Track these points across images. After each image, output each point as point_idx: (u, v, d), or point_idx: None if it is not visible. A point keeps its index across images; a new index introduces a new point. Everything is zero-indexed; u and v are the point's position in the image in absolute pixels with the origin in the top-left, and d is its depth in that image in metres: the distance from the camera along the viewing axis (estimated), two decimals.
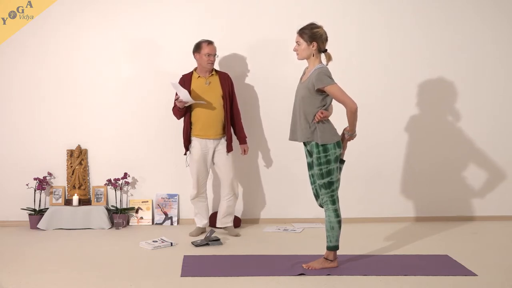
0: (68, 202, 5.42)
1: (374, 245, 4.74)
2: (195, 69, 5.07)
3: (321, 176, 3.95)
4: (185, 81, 5.01)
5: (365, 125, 5.41)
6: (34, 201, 5.37)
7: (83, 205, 5.39)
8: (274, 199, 5.65)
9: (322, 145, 3.91)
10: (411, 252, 4.54)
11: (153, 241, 4.76)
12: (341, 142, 4.00)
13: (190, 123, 5.01)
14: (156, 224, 5.52)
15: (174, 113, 5.04)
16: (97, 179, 5.52)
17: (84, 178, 5.48)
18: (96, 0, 5.44)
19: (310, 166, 4.12)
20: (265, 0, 5.52)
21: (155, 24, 5.49)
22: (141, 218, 5.51)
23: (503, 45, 5.74)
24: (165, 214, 5.53)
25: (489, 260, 4.32)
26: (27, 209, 5.37)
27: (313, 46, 3.94)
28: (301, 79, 4.10)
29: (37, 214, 5.32)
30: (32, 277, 3.86)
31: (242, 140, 5.19)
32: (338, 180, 4.03)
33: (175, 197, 5.56)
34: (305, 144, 4.07)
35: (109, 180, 5.39)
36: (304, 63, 4.11)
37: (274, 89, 5.52)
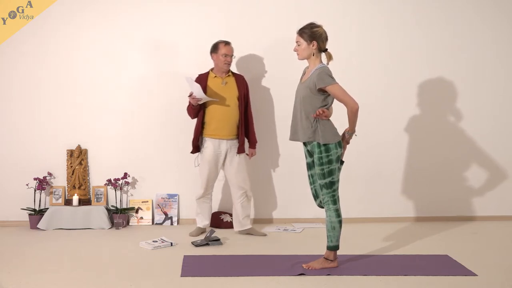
0: (68, 202, 5.42)
1: (374, 245, 4.74)
2: (212, 69, 5.06)
3: (322, 176, 3.95)
4: (201, 80, 4.97)
5: (365, 125, 5.41)
6: (34, 201, 5.37)
7: (83, 205, 5.39)
8: (274, 199, 5.65)
9: (324, 145, 3.91)
10: (411, 252, 4.54)
11: (153, 241, 4.76)
12: (341, 142, 4.00)
13: (203, 123, 4.98)
14: (156, 224, 5.52)
15: (188, 112, 5.01)
16: (97, 179, 5.52)
17: (84, 178, 5.48)
18: (96, 0, 5.44)
19: (309, 166, 4.12)
20: (268, 1, 5.53)
21: (155, 24, 5.49)
22: (141, 218, 5.51)
23: (503, 45, 5.74)
24: (165, 214, 5.53)
25: (489, 260, 4.32)
26: (27, 209, 5.37)
27: (313, 46, 3.94)
28: (301, 79, 4.10)
29: (37, 214, 5.32)
30: (32, 277, 3.86)
31: (253, 144, 5.17)
32: (338, 180, 4.03)
33: (175, 197, 5.56)
34: (305, 144, 4.07)
35: (109, 180, 5.39)
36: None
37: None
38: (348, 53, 5.56)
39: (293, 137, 4.11)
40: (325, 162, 3.92)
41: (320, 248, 4.43)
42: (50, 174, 5.45)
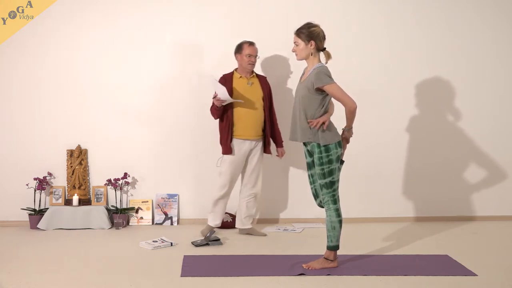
0: (68, 202, 5.42)
1: (374, 245, 4.74)
2: (236, 70, 5.04)
3: (322, 176, 3.95)
4: (226, 80, 4.96)
5: (365, 125, 5.42)
6: (34, 201, 5.37)
7: (83, 205, 5.38)
8: (274, 199, 5.65)
9: (324, 145, 3.91)
10: (411, 252, 4.54)
11: (153, 241, 4.75)
12: (341, 142, 4.00)
13: (230, 124, 4.93)
14: (156, 224, 5.52)
15: (211, 113, 4.97)
16: (97, 179, 5.52)
17: (84, 178, 5.48)
18: (96, 0, 5.44)
19: (309, 166, 4.12)
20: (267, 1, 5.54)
21: (155, 24, 5.49)
22: (141, 218, 5.51)
23: (503, 45, 5.74)
24: (165, 214, 5.53)
25: (489, 260, 4.32)
26: (27, 209, 5.37)
27: (311, 45, 3.94)
28: (300, 79, 4.10)
29: (37, 214, 5.32)
30: (32, 277, 3.86)
31: (280, 143, 5.16)
32: (338, 180, 4.03)
33: (175, 197, 5.56)
34: (305, 144, 4.07)
35: (109, 180, 5.39)
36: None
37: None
38: (348, 53, 5.56)
39: (292, 137, 4.11)
40: (325, 162, 3.92)
41: (320, 248, 4.43)
42: (50, 174, 5.45)
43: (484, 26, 5.70)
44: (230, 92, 4.86)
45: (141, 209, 5.52)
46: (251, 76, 5.02)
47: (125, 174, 5.43)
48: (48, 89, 5.45)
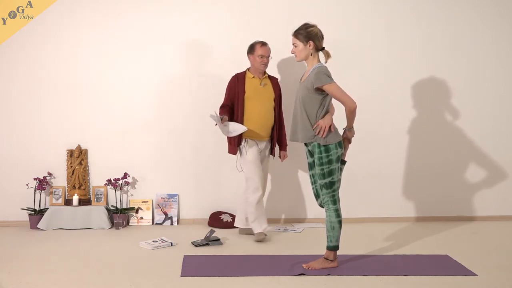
0: (68, 202, 5.42)
1: (374, 245, 4.74)
2: (248, 69, 4.98)
3: (322, 176, 3.95)
4: (239, 79, 4.90)
5: (365, 125, 5.42)
6: (34, 201, 5.37)
7: (83, 205, 5.39)
8: (274, 199, 5.65)
9: (324, 145, 3.91)
10: (411, 252, 4.54)
11: (153, 241, 4.76)
12: (342, 142, 4.00)
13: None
14: (156, 224, 5.52)
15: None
16: (97, 179, 5.52)
17: (84, 178, 5.48)
18: (96, 0, 5.44)
19: (310, 166, 4.12)
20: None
21: (156, 24, 5.49)
22: (141, 218, 5.51)
23: (503, 45, 5.74)
24: (165, 214, 5.53)
25: (489, 260, 4.32)
26: (27, 209, 5.37)
27: (309, 46, 3.94)
28: (300, 79, 4.10)
29: (37, 214, 5.32)
30: (32, 277, 3.86)
31: (284, 147, 5.10)
32: (339, 180, 4.03)
33: (175, 197, 5.56)
34: (306, 144, 4.07)
35: (109, 180, 5.39)
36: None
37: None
38: (348, 53, 5.56)
39: (293, 137, 4.11)
40: (325, 162, 3.92)
41: (320, 248, 4.43)
42: (50, 174, 5.45)
43: (484, 26, 5.70)
44: (243, 93, 4.81)
45: (141, 209, 5.53)
46: (264, 76, 4.95)
47: (125, 174, 5.43)
48: (48, 89, 5.45)
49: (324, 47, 4.00)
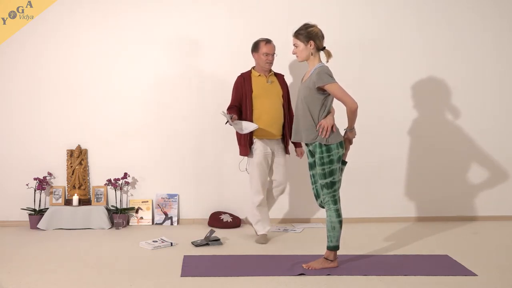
0: (68, 202, 5.42)
1: (374, 245, 4.74)
2: (253, 68, 4.91)
3: (323, 176, 3.95)
4: (245, 79, 4.84)
5: (366, 125, 5.42)
6: (34, 201, 5.37)
7: (83, 205, 5.38)
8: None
9: (325, 145, 3.91)
10: (411, 252, 4.54)
11: (153, 241, 4.75)
12: (344, 142, 4.00)
13: None
14: (156, 224, 5.52)
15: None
16: (97, 179, 5.52)
17: (84, 178, 5.48)
18: (96, 0, 5.44)
19: (311, 166, 4.12)
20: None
21: (156, 24, 5.49)
22: (141, 218, 5.51)
23: (503, 45, 5.74)
24: (165, 214, 5.53)
25: (489, 260, 4.32)
26: (27, 209, 5.37)
27: (310, 45, 3.94)
28: (302, 79, 4.10)
29: (37, 214, 5.32)
30: (32, 277, 3.86)
31: (299, 143, 5.01)
32: (340, 180, 4.03)
33: (175, 197, 5.56)
34: (307, 144, 4.07)
35: (109, 180, 5.39)
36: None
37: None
38: (349, 53, 5.56)
39: (295, 137, 4.10)
40: (326, 162, 3.92)
41: (320, 248, 4.43)
42: (50, 174, 5.45)
43: (484, 26, 5.70)
44: (250, 92, 4.76)
45: (141, 209, 5.53)
46: (270, 74, 4.89)
47: (125, 174, 5.43)
48: (48, 89, 5.46)
49: (325, 47, 4.00)
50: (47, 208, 5.32)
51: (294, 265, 4.09)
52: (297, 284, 3.76)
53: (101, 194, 5.48)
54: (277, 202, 5.61)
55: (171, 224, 5.52)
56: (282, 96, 4.87)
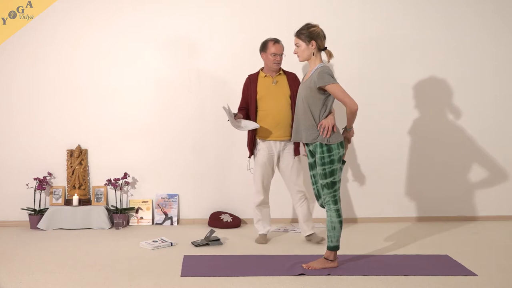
0: (68, 202, 5.42)
1: (374, 245, 4.74)
2: (262, 69, 4.85)
3: (324, 176, 3.95)
4: (252, 81, 4.80)
5: (366, 125, 5.42)
6: (34, 201, 5.37)
7: (83, 205, 5.38)
8: (274, 199, 5.64)
9: (326, 145, 3.91)
10: (411, 252, 4.54)
11: (153, 241, 4.75)
12: (343, 142, 4.01)
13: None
14: (156, 224, 5.52)
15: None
16: (97, 179, 5.52)
17: (84, 178, 5.48)
18: (96, 0, 5.44)
19: (311, 166, 4.11)
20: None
21: (156, 24, 5.49)
22: (141, 218, 5.51)
23: (503, 45, 5.74)
24: (165, 214, 5.53)
25: (489, 260, 4.32)
26: (27, 209, 5.37)
27: (312, 45, 3.94)
28: (303, 79, 4.10)
29: (37, 214, 5.32)
30: (32, 277, 3.85)
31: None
32: (340, 180, 4.03)
33: (175, 197, 5.56)
34: (307, 144, 4.07)
35: (109, 180, 5.39)
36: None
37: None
38: (349, 53, 5.56)
39: (296, 137, 4.10)
40: (327, 162, 3.92)
41: (320, 248, 4.43)
42: (50, 174, 5.45)
43: (484, 26, 5.70)
44: (255, 93, 4.73)
45: (141, 209, 5.53)
46: (277, 74, 4.80)
47: (125, 174, 5.43)
48: (48, 89, 5.45)
49: (326, 47, 4.00)
50: (47, 208, 5.32)
51: (294, 265, 4.09)
52: (297, 284, 3.76)
53: (101, 194, 5.48)
54: (277, 203, 5.60)
55: (171, 224, 5.52)
56: (290, 96, 4.74)
